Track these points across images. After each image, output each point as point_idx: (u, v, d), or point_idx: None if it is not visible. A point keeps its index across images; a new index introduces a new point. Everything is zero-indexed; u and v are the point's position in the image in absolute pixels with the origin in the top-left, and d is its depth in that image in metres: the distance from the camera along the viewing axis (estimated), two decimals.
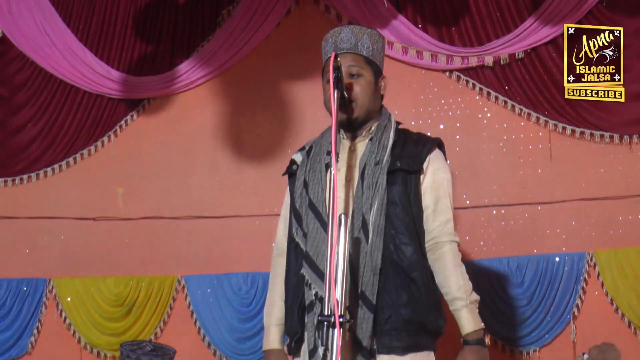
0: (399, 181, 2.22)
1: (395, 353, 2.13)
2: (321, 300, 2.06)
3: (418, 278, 2.18)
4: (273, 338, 2.31)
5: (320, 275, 2.11)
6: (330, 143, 2.27)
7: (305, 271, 2.16)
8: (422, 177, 2.26)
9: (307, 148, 2.38)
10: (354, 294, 2.10)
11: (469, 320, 2.16)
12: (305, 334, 2.16)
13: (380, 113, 2.35)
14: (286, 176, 2.40)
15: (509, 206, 4.07)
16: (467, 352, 2.14)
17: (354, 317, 2.09)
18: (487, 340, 2.17)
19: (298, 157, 2.36)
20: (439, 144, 2.37)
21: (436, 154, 2.32)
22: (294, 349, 2.23)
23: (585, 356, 3.59)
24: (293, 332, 2.21)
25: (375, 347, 2.12)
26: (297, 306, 2.19)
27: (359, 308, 2.09)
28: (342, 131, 2.31)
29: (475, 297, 2.21)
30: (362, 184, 2.19)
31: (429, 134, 4.14)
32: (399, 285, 2.15)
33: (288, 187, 2.39)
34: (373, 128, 2.30)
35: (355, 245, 2.14)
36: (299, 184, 2.28)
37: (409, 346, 2.15)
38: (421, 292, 2.17)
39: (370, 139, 2.27)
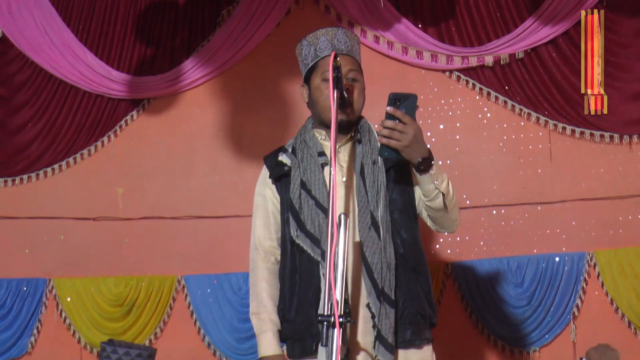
0: (394, 178, 2.26)
1: (413, 347, 2.18)
2: (345, 301, 2.04)
3: (422, 272, 2.24)
4: (271, 342, 2.27)
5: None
6: (320, 143, 2.30)
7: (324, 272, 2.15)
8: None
9: (289, 149, 2.37)
10: (374, 291, 2.12)
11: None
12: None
13: None
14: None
15: (509, 206, 4.07)
16: None
17: (376, 314, 2.11)
18: (433, 167, 2.16)
19: (285, 159, 2.34)
20: None
21: None
22: (309, 351, 2.20)
23: None
24: (307, 333, 2.20)
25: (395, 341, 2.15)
26: (313, 308, 2.17)
27: (381, 305, 2.11)
28: (323, 133, 2.32)
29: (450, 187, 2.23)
30: (364, 184, 2.21)
31: (428, 134, 4.19)
32: (408, 280, 2.20)
33: (267, 190, 2.37)
34: (354, 131, 2.33)
35: (368, 244, 2.15)
36: (295, 186, 2.26)
37: (423, 340, 2.21)
38: (427, 285, 2.24)
39: (358, 140, 2.29)
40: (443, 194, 2.18)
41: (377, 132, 2.31)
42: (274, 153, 2.41)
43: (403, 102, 2.04)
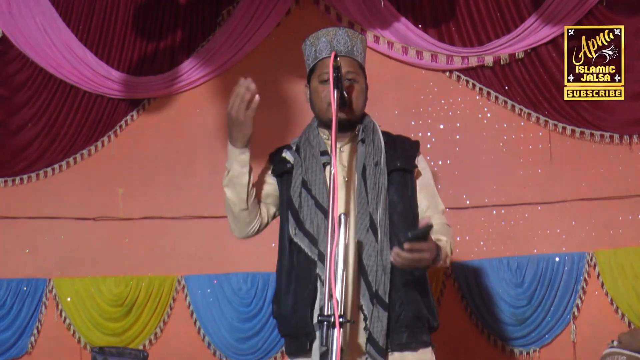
0: (397, 181, 2.25)
1: (408, 350, 2.17)
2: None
3: (421, 275, 2.21)
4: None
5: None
6: (323, 142, 2.30)
7: (322, 271, 2.14)
8: (415, 175, 2.31)
9: (293, 147, 2.37)
10: (368, 293, 2.12)
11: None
12: (318, 334, 2.14)
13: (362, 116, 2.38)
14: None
15: (509, 206, 4.07)
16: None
17: (368, 316, 2.11)
18: (445, 260, 2.19)
19: (289, 156, 2.34)
20: (418, 145, 2.41)
21: (420, 155, 2.39)
22: (304, 350, 2.20)
23: (615, 342, 3.56)
24: (301, 332, 2.19)
25: (389, 344, 2.14)
26: (308, 307, 2.17)
27: (374, 307, 2.11)
28: (327, 132, 2.32)
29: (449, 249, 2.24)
30: (364, 185, 2.21)
31: (428, 134, 4.19)
32: (406, 283, 2.19)
33: (269, 178, 2.37)
34: (358, 130, 2.32)
35: (365, 246, 2.15)
36: (296, 184, 2.26)
37: (420, 343, 2.20)
38: (426, 289, 2.22)
39: (362, 141, 2.29)
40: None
41: (382, 135, 2.31)
42: (279, 150, 2.42)
43: (419, 235, 2.05)
